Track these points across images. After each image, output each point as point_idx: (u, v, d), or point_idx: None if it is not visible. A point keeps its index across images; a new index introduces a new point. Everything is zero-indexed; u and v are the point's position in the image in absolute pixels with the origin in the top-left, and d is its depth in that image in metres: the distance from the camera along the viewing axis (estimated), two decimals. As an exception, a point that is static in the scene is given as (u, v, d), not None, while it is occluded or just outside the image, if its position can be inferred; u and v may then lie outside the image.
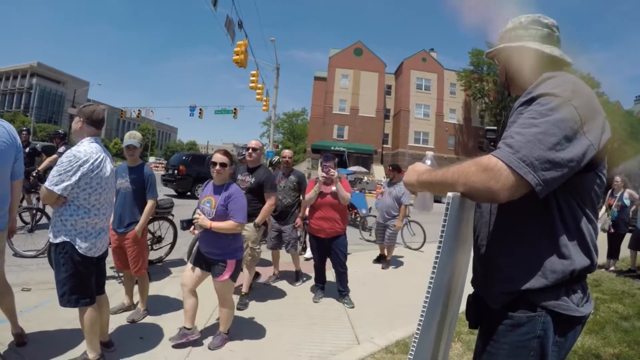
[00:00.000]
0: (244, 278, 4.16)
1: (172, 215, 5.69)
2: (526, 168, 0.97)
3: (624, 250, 7.19)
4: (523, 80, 1.26)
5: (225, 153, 3.12)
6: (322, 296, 4.63)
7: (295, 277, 5.26)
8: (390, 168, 6.69)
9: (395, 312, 4.25)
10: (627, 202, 6.95)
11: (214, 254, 3.02)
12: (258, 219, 4.09)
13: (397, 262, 6.87)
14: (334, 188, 4.39)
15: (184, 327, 3.15)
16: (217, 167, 3.03)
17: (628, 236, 7.07)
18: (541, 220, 1.11)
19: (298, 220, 5.06)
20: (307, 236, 5.82)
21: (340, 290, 4.60)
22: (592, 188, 1.12)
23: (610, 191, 7.39)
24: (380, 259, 6.62)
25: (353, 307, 4.40)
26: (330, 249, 4.53)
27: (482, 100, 41.29)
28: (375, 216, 8.20)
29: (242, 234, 3.34)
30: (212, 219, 2.96)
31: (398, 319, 4.00)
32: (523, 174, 0.97)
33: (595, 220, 1.15)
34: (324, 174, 4.31)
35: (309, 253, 6.02)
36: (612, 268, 7.01)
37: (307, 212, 6.28)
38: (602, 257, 7.36)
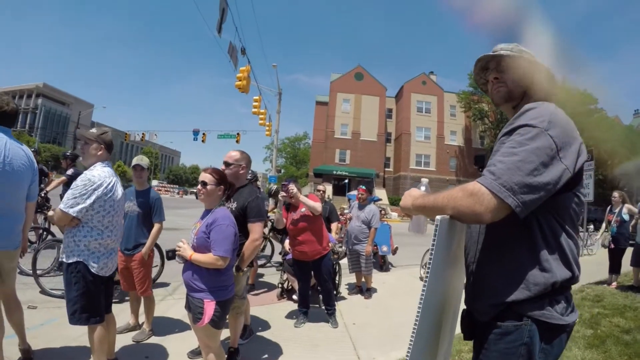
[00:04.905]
0: (231, 329, 3.38)
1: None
2: (506, 192, 1.09)
3: (626, 265, 7.14)
4: (529, 90, 1.36)
5: (214, 171, 2.69)
6: (305, 321, 4.51)
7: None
8: (364, 188, 6.10)
9: (397, 332, 4.27)
10: (626, 217, 6.96)
11: (191, 288, 2.51)
12: (241, 262, 3.02)
13: (399, 284, 6.88)
14: (303, 209, 4.29)
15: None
16: (199, 186, 2.62)
17: (629, 251, 7.02)
18: (523, 237, 1.22)
19: None
20: (286, 276, 5.47)
21: (327, 309, 4.61)
22: (571, 206, 1.23)
23: (609, 207, 7.42)
24: (361, 290, 6.07)
25: (337, 327, 4.42)
26: (315, 270, 4.53)
27: (482, 122, 41.46)
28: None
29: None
30: (193, 248, 2.52)
31: (400, 339, 4.01)
32: (504, 198, 1.09)
33: (575, 236, 1.25)
34: (283, 192, 4.15)
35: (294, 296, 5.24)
36: (614, 284, 6.96)
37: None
38: (604, 273, 7.37)
